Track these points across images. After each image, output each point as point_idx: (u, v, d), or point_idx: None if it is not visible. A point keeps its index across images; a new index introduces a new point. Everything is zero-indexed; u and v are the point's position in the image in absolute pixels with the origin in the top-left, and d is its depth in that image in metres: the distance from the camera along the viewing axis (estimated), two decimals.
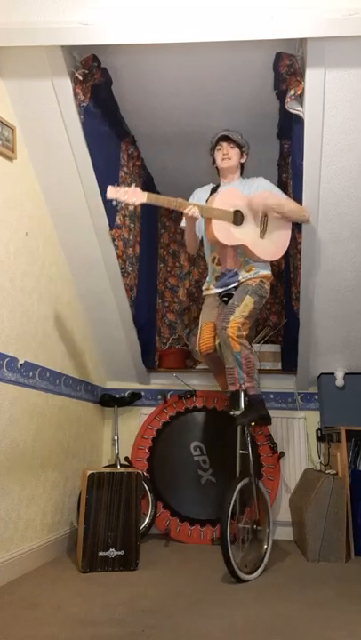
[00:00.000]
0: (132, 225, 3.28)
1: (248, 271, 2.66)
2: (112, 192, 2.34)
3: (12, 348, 2.38)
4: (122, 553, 2.51)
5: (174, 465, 3.40)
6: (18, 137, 2.47)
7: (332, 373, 3.37)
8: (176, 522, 3.28)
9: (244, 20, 2.08)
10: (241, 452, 2.56)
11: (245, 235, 2.61)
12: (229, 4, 2.07)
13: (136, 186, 2.40)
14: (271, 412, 3.43)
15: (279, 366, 3.66)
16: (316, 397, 3.55)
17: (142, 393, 3.65)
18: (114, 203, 2.49)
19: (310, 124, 2.40)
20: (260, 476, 3.31)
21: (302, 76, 2.33)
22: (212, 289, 2.78)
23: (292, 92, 2.40)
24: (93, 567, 2.47)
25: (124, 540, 2.53)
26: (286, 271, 3.57)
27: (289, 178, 3.00)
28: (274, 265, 3.76)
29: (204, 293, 2.87)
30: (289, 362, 3.59)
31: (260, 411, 2.55)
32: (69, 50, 2.36)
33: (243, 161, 2.77)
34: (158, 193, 3.85)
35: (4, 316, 2.31)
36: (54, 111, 2.47)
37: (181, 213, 2.59)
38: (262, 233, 2.63)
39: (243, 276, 2.66)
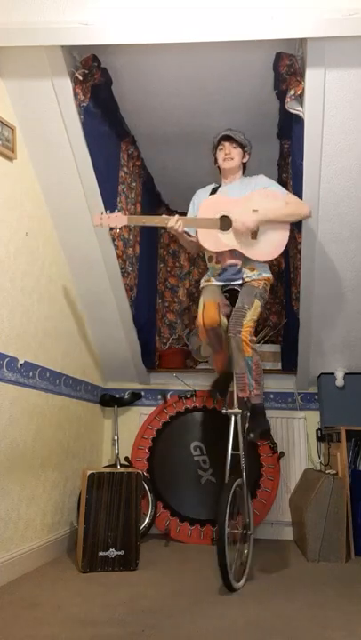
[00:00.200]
0: (132, 225, 3.27)
1: (252, 270, 2.62)
2: (97, 219, 2.54)
3: (12, 348, 2.38)
4: (122, 553, 2.51)
5: (174, 465, 3.40)
6: (18, 137, 2.47)
7: (332, 373, 3.37)
8: (176, 522, 3.28)
9: (244, 20, 2.08)
10: (232, 452, 2.49)
11: (234, 239, 2.57)
12: (229, 3, 2.07)
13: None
14: (271, 412, 3.48)
15: (279, 366, 3.67)
16: (316, 397, 3.55)
17: (142, 393, 3.66)
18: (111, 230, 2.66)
19: (310, 124, 2.40)
20: (261, 476, 3.32)
21: (302, 75, 2.33)
22: (212, 281, 2.72)
23: (292, 91, 2.40)
24: (93, 567, 2.47)
25: (124, 540, 2.53)
26: (286, 271, 3.57)
27: (289, 178, 3.00)
28: (274, 265, 3.78)
29: (202, 285, 2.77)
30: (289, 362, 3.59)
31: (264, 424, 2.51)
32: (69, 50, 2.36)
33: (245, 161, 2.74)
34: (158, 193, 3.87)
35: (4, 316, 2.31)
36: (54, 111, 2.47)
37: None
38: (254, 234, 2.57)
39: (247, 274, 2.62)
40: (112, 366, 3.65)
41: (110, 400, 3.53)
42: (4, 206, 2.35)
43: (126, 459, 3.47)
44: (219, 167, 2.77)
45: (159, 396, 3.59)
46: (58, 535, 2.79)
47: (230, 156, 2.67)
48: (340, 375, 3.34)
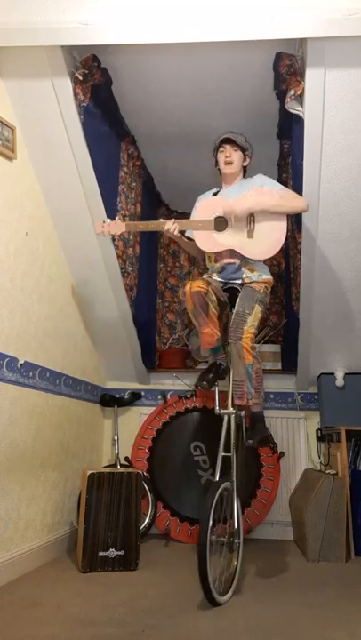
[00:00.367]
0: (132, 231, 3.27)
1: (251, 271, 2.60)
2: (99, 227, 2.62)
3: (12, 348, 2.38)
4: (122, 553, 2.51)
5: (174, 465, 3.40)
6: (18, 137, 2.47)
7: (332, 373, 3.37)
8: (176, 522, 3.28)
9: (244, 20, 2.08)
10: (224, 454, 2.42)
11: (230, 239, 2.55)
12: (229, 3, 2.07)
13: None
14: (271, 412, 3.48)
15: (279, 366, 3.67)
16: (316, 397, 3.55)
17: (142, 393, 3.66)
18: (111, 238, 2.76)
19: (310, 124, 2.40)
20: (261, 476, 3.32)
21: (302, 75, 2.33)
22: (213, 276, 2.70)
23: (292, 91, 2.40)
24: (93, 567, 2.47)
25: (124, 540, 2.53)
26: (286, 271, 3.57)
27: (289, 178, 3.00)
28: (274, 265, 3.78)
29: (204, 277, 2.73)
30: (289, 362, 3.59)
31: (264, 431, 2.45)
32: (69, 50, 2.36)
33: (245, 164, 2.71)
34: (158, 193, 3.87)
35: (4, 316, 2.31)
36: (54, 111, 2.47)
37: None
38: (250, 232, 2.55)
39: (246, 275, 2.60)
40: (112, 366, 3.65)
41: (110, 400, 3.53)
42: (4, 206, 2.35)
43: (126, 459, 3.48)
44: (219, 170, 2.76)
45: (159, 396, 3.59)
46: (58, 535, 2.79)
47: (230, 160, 2.65)
48: (340, 375, 3.34)
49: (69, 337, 3.06)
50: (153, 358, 3.83)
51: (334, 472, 2.94)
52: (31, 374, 2.54)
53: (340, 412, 3.28)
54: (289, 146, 2.88)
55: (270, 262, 2.73)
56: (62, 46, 2.28)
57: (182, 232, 2.64)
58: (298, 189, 2.65)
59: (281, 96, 2.57)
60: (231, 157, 2.65)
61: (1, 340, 2.28)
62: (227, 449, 2.44)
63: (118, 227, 2.58)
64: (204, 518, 2.02)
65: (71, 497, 2.99)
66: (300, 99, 2.41)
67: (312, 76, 2.27)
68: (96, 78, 2.51)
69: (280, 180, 3.21)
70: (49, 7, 2.12)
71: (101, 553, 2.49)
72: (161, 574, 2.46)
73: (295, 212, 2.62)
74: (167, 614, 1.90)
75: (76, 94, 2.43)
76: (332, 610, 1.99)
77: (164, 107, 2.88)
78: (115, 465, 3.33)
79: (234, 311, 2.51)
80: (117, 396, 3.57)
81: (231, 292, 2.61)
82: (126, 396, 3.57)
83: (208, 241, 2.58)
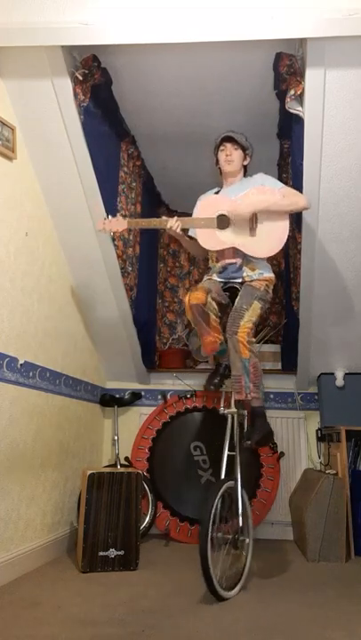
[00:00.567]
0: (133, 227, 3.27)
1: (252, 270, 2.60)
2: (100, 224, 2.63)
3: (12, 348, 2.38)
4: (122, 553, 2.51)
5: (174, 465, 3.40)
6: (18, 137, 2.47)
7: (332, 373, 3.37)
8: (176, 522, 3.28)
9: (244, 20, 2.08)
10: (228, 453, 2.45)
11: (233, 237, 2.56)
12: (229, 3, 2.07)
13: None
14: (271, 412, 3.47)
15: (279, 366, 3.67)
16: (316, 397, 3.55)
17: (142, 393, 3.66)
18: (110, 235, 2.72)
19: (310, 124, 2.40)
20: (261, 476, 3.32)
21: (302, 76, 2.33)
22: (214, 277, 2.71)
23: (292, 91, 2.40)
24: (93, 567, 2.47)
25: (124, 540, 2.53)
26: (286, 271, 3.57)
27: (289, 178, 3.00)
28: (274, 265, 3.77)
29: (204, 279, 2.75)
30: (289, 362, 3.59)
31: (265, 427, 2.44)
32: (69, 50, 2.36)
33: (245, 163, 2.72)
34: (158, 193, 3.87)
35: (4, 316, 2.31)
36: (54, 111, 2.47)
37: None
38: (252, 231, 2.56)
39: (247, 273, 2.60)
40: (112, 366, 3.65)
41: (110, 400, 3.53)
42: (4, 206, 2.35)
43: (126, 459, 3.47)
44: (220, 169, 2.77)
45: (159, 396, 3.59)
46: (58, 535, 2.79)
47: (231, 159, 2.66)
48: (340, 375, 3.34)
49: (69, 337, 3.06)
50: (153, 358, 3.83)
51: (334, 472, 2.94)
52: (31, 374, 2.54)
53: (340, 412, 3.28)
54: (289, 146, 2.88)
55: (270, 262, 2.73)
56: (62, 46, 2.28)
57: (184, 230, 2.65)
58: (298, 189, 2.64)
59: (281, 96, 2.57)
60: (232, 156, 2.66)
61: (1, 340, 2.28)
62: (231, 448, 2.47)
63: (120, 223, 2.60)
64: (206, 512, 2.06)
65: (71, 497, 2.99)
66: (300, 99, 2.41)
67: (312, 76, 2.27)
68: (96, 78, 2.51)
69: (280, 180, 3.21)
70: (49, 7, 2.12)
71: (101, 553, 2.49)
72: (161, 574, 2.46)
73: (298, 210, 2.61)
74: (167, 614, 1.90)
75: (76, 94, 2.43)
76: (332, 610, 1.99)
77: (164, 107, 2.88)
78: (115, 465, 3.33)
79: (233, 308, 2.52)
80: (117, 395, 3.57)
81: (232, 292, 2.62)
82: (126, 396, 3.57)
83: (211, 239, 2.58)
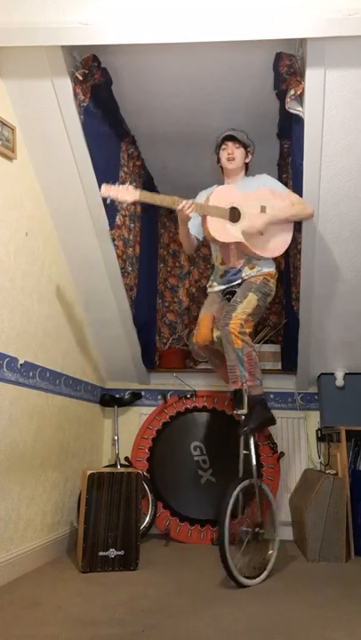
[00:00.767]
0: (132, 225, 3.28)
1: (251, 268, 2.63)
2: (106, 189, 2.35)
3: (12, 348, 2.38)
4: (122, 553, 2.51)
5: (174, 465, 3.40)
6: (18, 137, 2.47)
7: (332, 373, 3.37)
8: (176, 522, 3.28)
9: (244, 20, 2.08)
10: (244, 452, 2.51)
11: (241, 232, 2.57)
12: (229, 3, 2.07)
13: (136, 186, 2.40)
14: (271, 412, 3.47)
15: (279, 366, 3.67)
16: (316, 397, 3.55)
17: (142, 393, 3.66)
18: (108, 200, 2.42)
19: (310, 124, 2.40)
20: (261, 476, 3.32)
21: (302, 75, 2.33)
22: (215, 286, 2.76)
23: (292, 91, 2.40)
24: (93, 567, 2.47)
25: (124, 540, 2.53)
26: (286, 271, 3.58)
27: (289, 178, 3.00)
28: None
29: (207, 291, 2.85)
30: (289, 362, 3.59)
31: (263, 413, 2.47)
32: (69, 50, 2.36)
33: (247, 161, 2.74)
34: (158, 193, 3.86)
35: (4, 316, 2.31)
36: (54, 111, 2.47)
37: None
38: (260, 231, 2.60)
39: (246, 273, 2.64)
40: (112, 366, 3.65)
41: (110, 400, 3.53)
42: (4, 206, 2.35)
43: (126, 459, 3.47)
44: (221, 167, 2.77)
45: (159, 396, 3.60)
46: (58, 535, 2.79)
47: (233, 157, 2.67)
48: (340, 375, 3.34)
49: (69, 337, 3.06)
50: (153, 358, 3.83)
51: (334, 472, 2.94)
52: (31, 374, 2.54)
53: (340, 412, 3.28)
54: (289, 146, 2.88)
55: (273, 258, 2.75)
56: (62, 46, 2.28)
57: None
58: (298, 189, 2.65)
59: (281, 96, 2.57)
60: (234, 154, 2.67)
61: (1, 340, 2.28)
62: (244, 447, 2.53)
63: (130, 193, 2.35)
64: (225, 503, 2.23)
65: (71, 497, 2.99)
66: (300, 99, 2.41)
67: (312, 76, 2.27)
68: (96, 78, 2.51)
69: (280, 180, 3.21)
70: (49, 7, 2.12)
71: (101, 553, 2.49)
72: (161, 574, 2.46)
73: (306, 219, 2.68)
74: (167, 614, 1.90)
75: (76, 94, 2.43)
76: (332, 610, 1.99)
77: (164, 107, 2.88)
78: (115, 465, 3.33)
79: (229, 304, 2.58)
80: (117, 396, 3.57)
81: (232, 295, 2.65)
82: (126, 396, 3.57)
83: (221, 230, 2.56)
